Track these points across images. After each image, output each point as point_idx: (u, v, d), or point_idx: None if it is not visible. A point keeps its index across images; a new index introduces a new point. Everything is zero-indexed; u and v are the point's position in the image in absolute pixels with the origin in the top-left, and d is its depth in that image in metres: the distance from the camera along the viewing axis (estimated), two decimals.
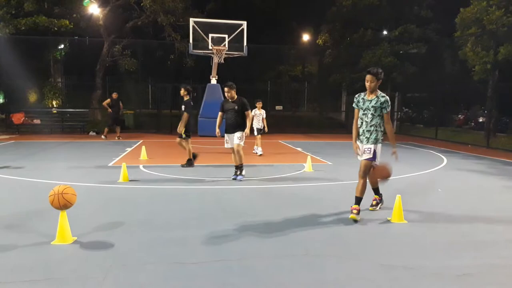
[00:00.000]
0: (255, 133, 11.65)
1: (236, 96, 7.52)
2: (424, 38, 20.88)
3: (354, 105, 5.36)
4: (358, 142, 5.31)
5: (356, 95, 5.35)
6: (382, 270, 3.64)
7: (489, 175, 8.97)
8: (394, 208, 5.20)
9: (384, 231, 4.83)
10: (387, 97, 5.22)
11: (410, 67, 20.63)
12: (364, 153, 5.20)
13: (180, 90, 9.27)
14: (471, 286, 3.39)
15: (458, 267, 3.73)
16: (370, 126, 5.17)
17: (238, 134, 7.44)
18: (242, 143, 7.51)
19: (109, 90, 21.12)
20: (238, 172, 7.68)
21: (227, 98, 7.52)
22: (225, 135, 7.61)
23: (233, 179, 7.62)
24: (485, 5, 15.17)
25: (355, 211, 5.11)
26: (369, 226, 4.95)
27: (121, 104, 15.65)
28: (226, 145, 7.65)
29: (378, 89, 5.26)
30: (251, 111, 11.12)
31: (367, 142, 5.18)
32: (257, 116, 11.78)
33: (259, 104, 11.95)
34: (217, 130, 7.73)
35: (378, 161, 5.23)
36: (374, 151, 5.16)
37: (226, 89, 7.46)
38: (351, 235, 4.60)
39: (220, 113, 7.72)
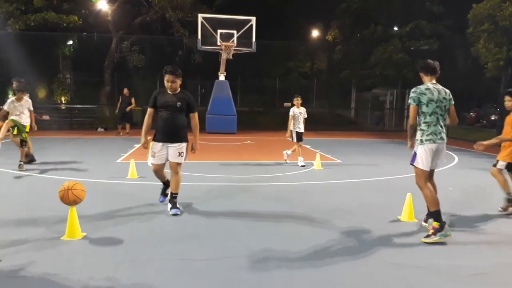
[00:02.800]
0: (295, 139, 9.04)
1: (180, 89, 5.13)
2: (435, 34, 20.66)
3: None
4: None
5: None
6: (393, 268, 3.59)
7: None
8: (404, 206, 5.13)
9: (394, 230, 4.75)
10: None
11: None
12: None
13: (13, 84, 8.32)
14: (483, 286, 3.33)
15: (470, 267, 3.66)
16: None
17: (178, 148, 5.03)
18: (183, 161, 5.16)
19: (117, 86, 21.21)
20: (170, 205, 5.12)
21: (167, 88, 5.05)
22: (154, 143, 5.11)
23: (172, 211, 5.07)
24: (498, 1, 14.95)
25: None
26: (379, 225, 4.88)
27: (132, 100, 15.22)
28: (150, 160, 5.14)
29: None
30: (290, 110, 8.99)
31: None
32: (297, 117, 8.97)
33: (297, 101, 8.98)
34: (143, 139, 5.17)
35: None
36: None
37: (168, 76, 4.94)
38: (361, 234, 4.53)
39: (149, 110, 5.16)
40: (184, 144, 5.11)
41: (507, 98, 5.62)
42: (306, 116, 9.08)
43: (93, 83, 21.76)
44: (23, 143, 7.94)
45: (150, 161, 5.17)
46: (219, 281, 3.29)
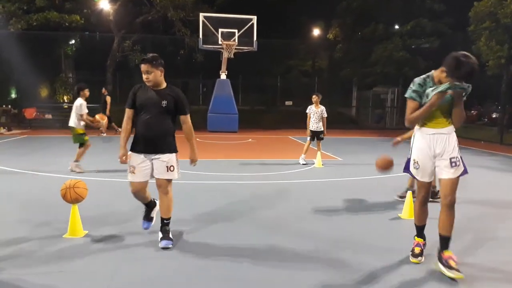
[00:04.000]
0: (309, 138, 8.98)
1: (165, 84, 4.02)
2: (436, 32, 20.61)
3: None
4: None
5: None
6: (392, 266, 3.61)
7: (502, 171, 8.84)
8: (404, 204, 5.15)
9: (394, 228, 4.78)
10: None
11: (422, 62, 20.41)
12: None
13: None
14: (482, 284, 3.34)
15: (469, 265, 3.67)
16: None
17: (166, 161, 3.92)
18: (175, 177, 4.03)
19: (119, 85, 21.26)
20: (161, 235, 4.02)
21: (146, 83, 3.93)
22: (132, 155, 3.96)
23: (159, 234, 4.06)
24: None
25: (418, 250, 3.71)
26: (379, 223, 4.91)
27: (106, 99, 14.99)
28: (131, 177, 3.98)
29: None
30: (307, 108, 8.99)
31: None
32: (314, 115, 8.87)
33: (316, 98, 8.79)
34: (121, 150, 4.04)
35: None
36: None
37: (142, 66, 3.86)
38: (361, 232, 4.56)
39: (127, 112, 4.02)
40: (172, 156, 3.95)
41: None
42: (325, 115, 8.87)
43: (95, 82, 21.77)
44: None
45: (129, 178, 3.97)
46: (220, 279, 3.31)
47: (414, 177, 3.67)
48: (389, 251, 3.98)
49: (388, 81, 22.60)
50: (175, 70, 22.49)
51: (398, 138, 5.58)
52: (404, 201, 5.80)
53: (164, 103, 3.90)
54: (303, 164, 8.94)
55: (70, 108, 20.66)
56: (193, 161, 4.23)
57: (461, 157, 3.52)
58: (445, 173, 3.44)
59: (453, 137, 3.52)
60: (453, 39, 19.95)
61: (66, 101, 21.49)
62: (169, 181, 4.02)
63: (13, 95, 22.48)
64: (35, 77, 18.75)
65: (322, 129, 8.90)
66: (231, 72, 18.18)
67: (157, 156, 3.92)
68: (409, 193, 5.15)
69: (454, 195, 3.48)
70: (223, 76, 17.81)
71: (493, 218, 5.22)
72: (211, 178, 7.45)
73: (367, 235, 4.46)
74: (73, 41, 21.82)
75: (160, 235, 4.05)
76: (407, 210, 5.10)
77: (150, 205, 4.26)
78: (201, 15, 17.35)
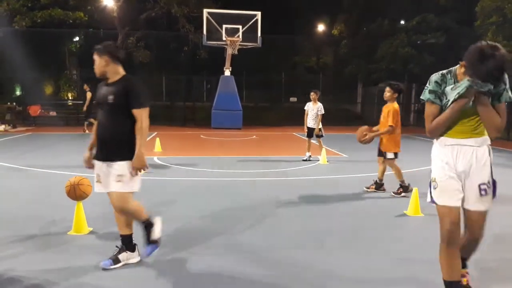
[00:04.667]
0: (307, 135, 8.92)
1: (119, 76, 3.39)
2: (443, 27, 20.44)
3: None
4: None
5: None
6: (399, 263, 3.58)
7: (509, 167, 8.75)
8: (410, 201, 5.11)
9: (400, 224, 4.75)
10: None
11: (428, 57, 20.25)
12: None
13: None
14: (489, 280, 3.30)
15: (475, 261, 3.61)
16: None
17: (116, 169, 3.22)
18: (130, 189, 3.25)
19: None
20: (147, 239, 3.45)
21: (101, 77, 3.48)
22: (95, 162, 3.40)
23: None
24: None
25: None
26: (385, 219, 4.87)
27: (86, 95, 13.92)
28: (96, 188, 3.39)
29: None
30: (305, 105, 9.04)
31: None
32: (311, 112, 8.81)
33: (314, 95, 8.72)
34: (87, 153, 3.49)
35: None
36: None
37: (96, 55, 3.42)
38: (367, 229, 4.53)
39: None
40: (124, 164, 3.21)
41: (387, 89, 5.83)
42: (322, 113, 8.79)
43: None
44: None
45: (96, 189, 3.41)
46: (224, 276, 3.30)
47: (434, 203, 2.68)
48: (394, 248, 3.94)
49: (393, 77, 22.45)
50: (179, 66, 22.51)
51: (367, 136, 5.48)
52: (397, 197, 5.87)
53: (110, 98, 3.25)
54: (303, 160, 8.92)
55: (74, 105, 20.83)
56: (133, 168, 3.20)
57: (494, 181, 2.68)
58: (472, 202, 2.61)
59: (483, 152, 2.63)
60: (459, 34, 19.78)
61: (70, 98, 21.57)
62: (121, 196, 3.22)
63: (18, 93, 22.59)
64: (40, 74, 18.84)
65: (319, 127, 8.80)
66: (235, 68, 18.14)
67: (110, 164, 3.24)
68: (415, 189, 5.11)
69: (483, 231, 2.70)
70: (227, 72, 17.77)
71: (499, 215, 5.15)
72: (214, 175, 7.43)
73: (372, 232, 4.41)
74: (77, 38, 21.87)
75: (148, 241, 3.45)
76: (413, 207, 5.05)
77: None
78: (205, 11, 17.31)
